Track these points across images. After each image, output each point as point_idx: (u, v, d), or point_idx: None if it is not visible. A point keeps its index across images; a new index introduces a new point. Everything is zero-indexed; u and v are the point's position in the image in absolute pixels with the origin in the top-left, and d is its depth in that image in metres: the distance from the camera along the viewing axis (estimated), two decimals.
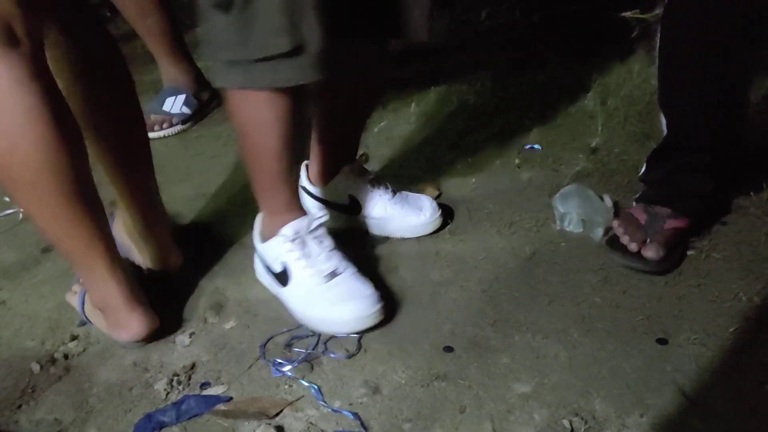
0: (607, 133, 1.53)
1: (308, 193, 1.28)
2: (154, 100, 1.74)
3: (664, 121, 1.15)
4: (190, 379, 0.98)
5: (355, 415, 0.90)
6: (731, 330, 0.98)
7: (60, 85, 0.87)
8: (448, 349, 1.00)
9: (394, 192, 1.26)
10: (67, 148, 0.85)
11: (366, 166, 1.26)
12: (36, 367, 1.02)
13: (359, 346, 1.01)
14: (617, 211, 1.24)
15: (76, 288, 1.10)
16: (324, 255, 1.05)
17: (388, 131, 1.65)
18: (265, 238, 1.09)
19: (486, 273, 1.14)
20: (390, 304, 1.07)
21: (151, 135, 1.33)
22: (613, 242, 1.15)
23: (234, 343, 1.04)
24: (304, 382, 0.96)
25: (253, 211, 1.11)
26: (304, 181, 1.28)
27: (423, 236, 1.24)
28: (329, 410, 0.91)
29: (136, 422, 0.91)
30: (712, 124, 1.11)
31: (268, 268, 1.10)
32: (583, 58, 1.87)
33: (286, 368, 0.98)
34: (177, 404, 0.93)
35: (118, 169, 1.04)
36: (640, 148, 1.42)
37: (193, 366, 1.00)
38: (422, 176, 1.44)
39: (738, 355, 0.94)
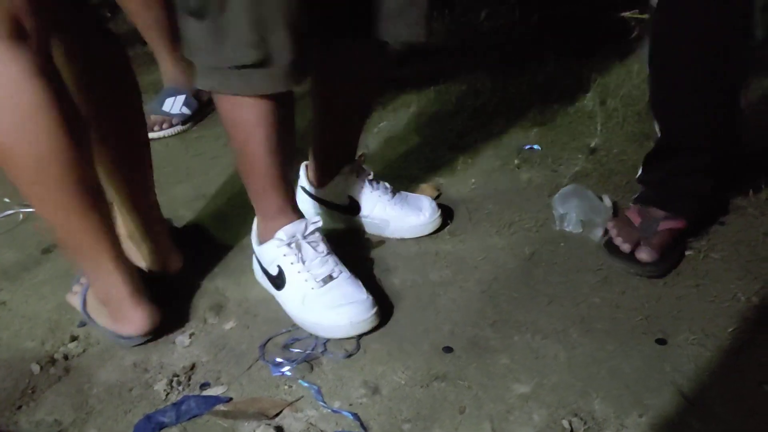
0: (606, 134, 1.53)
1: (308, 193, 1.28)
2: (154, 100, 1.74)
3: (656, 124, 1.15)
4: (189, 379, 0.98)
5: (355, 415, 0.90)
6: (730, 330, 0.98)
7: None
8: (448, 349, 1.00)
9: (394, 192, 1.26)
10: (73, 141, 0.85)
11: (365, 166, 1.26)
12: (36, 368, 1.02)
13: (358, 347, 1.01)
14: (616, 211, 1.24)
15: (76, 289, 1.10)
16: (319, 259, 1.05)
17: (388, 131, 1.66)
18: (261, 241, 1.09)
19: (485, 273, 1.14)
20: (385, 307, 1.07)
21: (150, 135, 1.33)
22: (609, 243, 1.15)
23: (234, 343, 1.04)
24: (303, 383, 0.96)
25: (253, 212, 1.11)
26: (303, 181, 1.28)
27: (422, 237, 1.24)
28: (329, 411, 0.91)
29: (135, 423, 0.91)
30: (712, 124, 1.10)
31: (265, 271, 1.10)
32: (583, 58, 1.87)
33: (286, 369, 0.98)
34: (177, 405, 0.93)
35: (118, 170, 1.05)
36: (639, 149, 1.42)
37: (192, 366, 1.01)
38: (422, 176, 1.44)
39: (736, 355, 0.94)
